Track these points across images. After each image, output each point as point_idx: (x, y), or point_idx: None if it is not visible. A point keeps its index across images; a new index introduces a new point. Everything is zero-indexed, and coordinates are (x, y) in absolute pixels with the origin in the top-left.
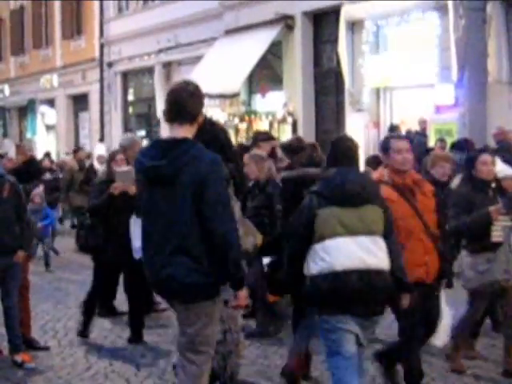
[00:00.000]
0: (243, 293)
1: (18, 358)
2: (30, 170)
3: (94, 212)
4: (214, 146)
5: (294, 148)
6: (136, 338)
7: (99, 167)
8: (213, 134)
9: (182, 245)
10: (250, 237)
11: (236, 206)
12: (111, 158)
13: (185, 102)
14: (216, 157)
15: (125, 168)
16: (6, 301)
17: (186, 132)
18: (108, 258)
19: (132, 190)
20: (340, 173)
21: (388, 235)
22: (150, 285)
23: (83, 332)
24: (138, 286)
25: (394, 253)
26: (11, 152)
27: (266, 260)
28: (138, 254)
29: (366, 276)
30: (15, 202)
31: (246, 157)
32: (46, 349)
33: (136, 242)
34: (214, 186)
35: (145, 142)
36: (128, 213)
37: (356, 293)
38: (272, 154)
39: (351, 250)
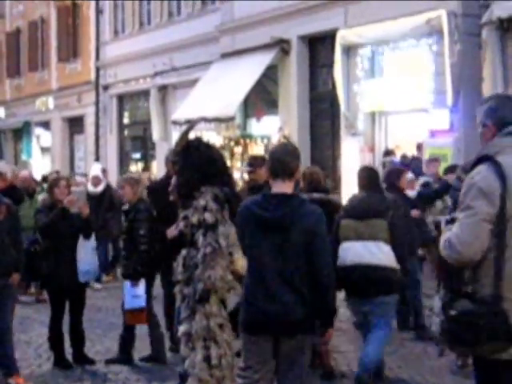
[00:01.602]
0: (333, 330)
1: (12, 381)
2: (10, 196)
3: (46, 230)
4: (210, 169)
5: None
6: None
7: (92, 189)
8: (209, 157)
9: (291, 283)
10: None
11: (232, 230)
12: (54, 184)
13: (286, 161)
14: (320, 210)
15: (79, 188)
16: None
17: (289, 187)
18: (59, 283)
19: (86, 210)
20: (355, 195)
21: (392, 242)
22: (248, 322)
23: (62, 363)
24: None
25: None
26: None
27: None
28: (83, 277)
29: (364, 269)
30: (11, 224)
31: (120, 180)
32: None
33: (82, 265)
34: (322, 235)
35: (139, 165)
36: (76, 237)
37: (356, 280)
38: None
39: (358, 250)
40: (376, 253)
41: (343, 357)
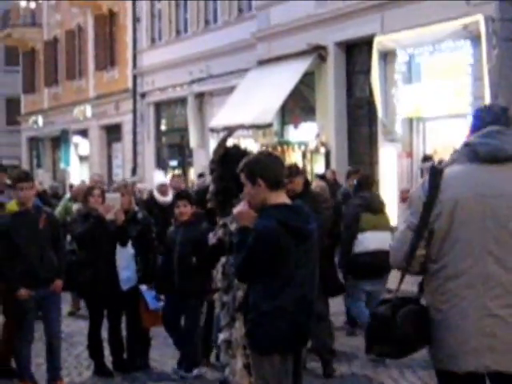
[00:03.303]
0: None
1: None
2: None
3: (82, 240)
4: None
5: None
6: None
7: (160, 198)
8: None
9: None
10: None
11: None
12: (88, 193)
13: (282, 172)
14: None
15: (114, 195)
16: (48, 330)
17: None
18: (97, 292)
19: (121, 217)
20: (369, 193)
21: None
22: (292, 340)
23: (102, 370)
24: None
25: None
26: None
27: None
28: (125, 285)
29: (385, 254)
30: (51, 232)
31: (119, 187)
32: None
33: (123, 272)
34: None
35: (176, 172)
36: (112, 245)
37: (378, 264)
38: (305, 188)
39: (377, 238)
40: (390, 241)
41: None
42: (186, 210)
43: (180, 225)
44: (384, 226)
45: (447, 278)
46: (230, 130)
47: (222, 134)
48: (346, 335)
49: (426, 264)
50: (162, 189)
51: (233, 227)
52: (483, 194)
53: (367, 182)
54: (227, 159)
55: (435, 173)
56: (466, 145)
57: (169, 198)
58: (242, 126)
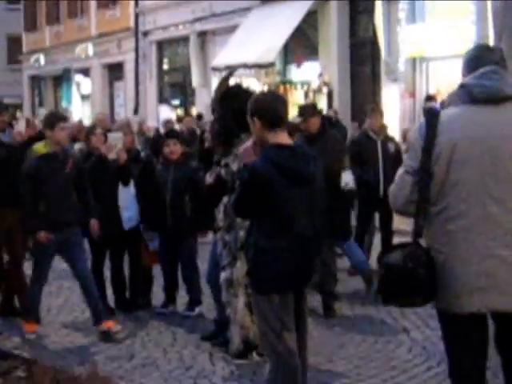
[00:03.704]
0: None
1: (104, 327)
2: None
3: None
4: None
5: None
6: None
7: None
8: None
9: (318, 235)
10: None
11: None
12: (90, 132)
13: (283, 110)
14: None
15: (116, 134)
16: (77, 272)
17: (288, 137)
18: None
19: (123, 156)
20: None
21: None
22: (288, 278)
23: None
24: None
25: None
26: (21, 126)
27: None
28: (127, 224)
29: None
30: (76, 176)
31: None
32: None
33: (125, 212)
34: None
35: (179, 111)
36: (115, 184)
37: None
38: (322, 128)
39: None
40: None
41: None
42: (175, 149)
43: (169, 164)
44: None
45: (448, 220)
46: (231, 69)
47: (224, 73)
48: (348, 275)
49: (423, 207)
50: (168, 125)
51: (235, 167)
52: (481, 135)
53: None
54: (228, 99)
55: (432, 116)
56: (462, 86)
57: None
58: (244, 65)
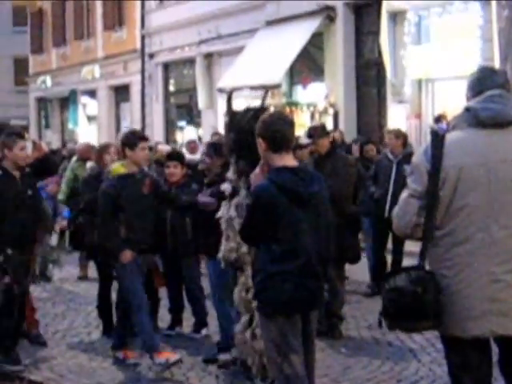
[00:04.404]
0: None
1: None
2: (43, 166)
3: (92, 206)
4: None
5: None
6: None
7: (189, 156)
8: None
9: (322, 257)
10: None
11: None
12: (103, 150)
13: (289, 133)
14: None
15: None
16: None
17: (294, 159)
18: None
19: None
20: None
21: None
22: (295, 301)
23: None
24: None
25: None
26: (28, 148)
27: None
28: None
29: None
30: (155, 198)
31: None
32: (43, 344)
33: None
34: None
35: (186, 133)
36: None
37: None
38: (332, 149)
39: None
40: None
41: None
42: (175, 171)
43: (170, 186)
44: None
45: (452, 244)
46: (230, 92)
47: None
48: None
49: (429, 231)
50: (191, 145)
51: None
52: (487, 159)
53: None
54: (234, 126)
55: (437, 139)
56: (467, 109)
57: (198, 156)
58: (250, 87)
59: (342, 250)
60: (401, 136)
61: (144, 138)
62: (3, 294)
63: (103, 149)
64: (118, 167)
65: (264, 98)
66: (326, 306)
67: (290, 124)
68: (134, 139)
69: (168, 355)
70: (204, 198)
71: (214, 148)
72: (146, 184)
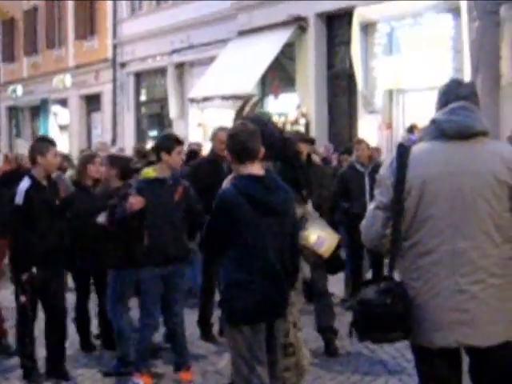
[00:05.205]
0: None
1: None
2: (12, 179)
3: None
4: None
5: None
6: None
7: None
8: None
9: (285, 266)
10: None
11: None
12: (88, 161)
13: (251, 146)
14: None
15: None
16: (171, 312)
17: (261, 167)
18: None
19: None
20: None
21: None
22: (257, 310)
23: (88, 346)
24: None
25: None
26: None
27: None
28: None
29: None
30: (186, 206)
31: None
32: (13, 354)
33: None
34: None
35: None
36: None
37: None
38: (308, 159)
39: None
40: None
41: None
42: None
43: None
44: None
45: (418, 255)
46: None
47: (201, 105)
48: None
49: (396, 242)
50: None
51: None
52: (450, 171)
53: None
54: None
55: (402, 151)
56: (432, 122)
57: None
58: (221, 96)
59: (324, 261)
60: (369, 145)
61: (180, 142)
62: (19, 315)
63: (88, 159)
64: (148, 171)
65: (242, 108)
66: (318, 321)
67: (254, 135)
68: (171, 143)
69: (146, 382)
70: (102, 218)
71: (110, 160)
72: (177, 191)
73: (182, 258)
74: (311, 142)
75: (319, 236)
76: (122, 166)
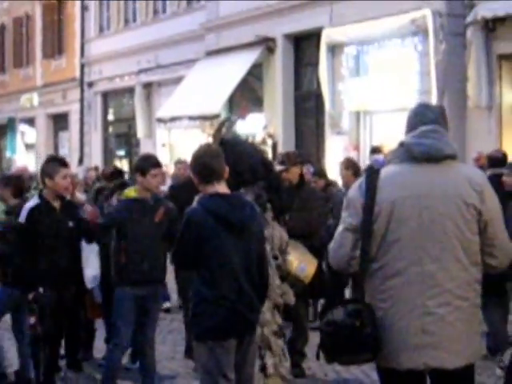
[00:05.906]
0: None
1: None
2: None
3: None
4: (239, 167)
5: None
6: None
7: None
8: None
9: (254, 282)
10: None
11: (276, 232)
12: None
13: (214, 166)
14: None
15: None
16: (145, 340)
17: (225, 186)
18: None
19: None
20: None
21: None
22: (225, 327)
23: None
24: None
25: None
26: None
27: None
28: (91, 283)
29: None
30: (167, 227)
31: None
32: None
33: (89, 270)
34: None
35: (124, 162)
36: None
37: None
38: (301, 179)
39: None
40: None
41: None
42: None
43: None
44: None
45: (386, 277)
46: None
47: (169, 124)
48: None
49: (365, 263)
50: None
51: None
52: (419, 194)
53: None
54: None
55: (372, 173)
56: (401, 145)
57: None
58: (189, 117)
59: (309, 286)
60: (350, 166)
61: (157, 165)
62: (30, 336)
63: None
64: (129, 192)
65: (219, 130)
66: (290, 343)
67: (217, 156)
68: (145, 165)
69: None
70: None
71: (4, 181)
72: (158, 212)
73: (158, 279)
74: (301, 163)
75: (301, 261)
76: (15, 185)
